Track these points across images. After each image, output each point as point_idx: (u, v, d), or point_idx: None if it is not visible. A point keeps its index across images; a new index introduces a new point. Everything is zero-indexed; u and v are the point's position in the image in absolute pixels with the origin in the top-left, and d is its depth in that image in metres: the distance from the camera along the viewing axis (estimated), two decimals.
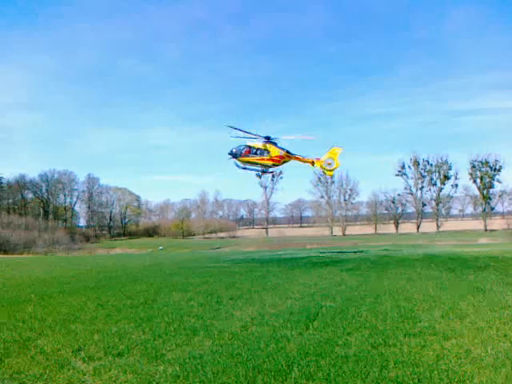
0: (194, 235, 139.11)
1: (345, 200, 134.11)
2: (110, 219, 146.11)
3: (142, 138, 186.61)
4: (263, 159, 36.25)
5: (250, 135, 35.57)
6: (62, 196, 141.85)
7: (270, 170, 38.44)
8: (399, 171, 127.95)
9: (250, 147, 35.95)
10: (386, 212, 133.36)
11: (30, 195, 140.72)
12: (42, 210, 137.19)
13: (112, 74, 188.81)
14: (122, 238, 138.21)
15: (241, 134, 35.05)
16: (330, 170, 38.79)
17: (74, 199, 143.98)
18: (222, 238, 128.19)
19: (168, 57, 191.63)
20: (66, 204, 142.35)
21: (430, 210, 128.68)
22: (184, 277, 18.05)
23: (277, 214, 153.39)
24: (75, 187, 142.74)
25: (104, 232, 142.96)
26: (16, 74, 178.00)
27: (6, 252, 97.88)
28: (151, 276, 18.84)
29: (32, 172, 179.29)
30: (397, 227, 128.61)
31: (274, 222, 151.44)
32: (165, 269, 22.85)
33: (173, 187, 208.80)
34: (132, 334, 8.15)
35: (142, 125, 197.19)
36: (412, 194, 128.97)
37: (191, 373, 5.94)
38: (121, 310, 10.51)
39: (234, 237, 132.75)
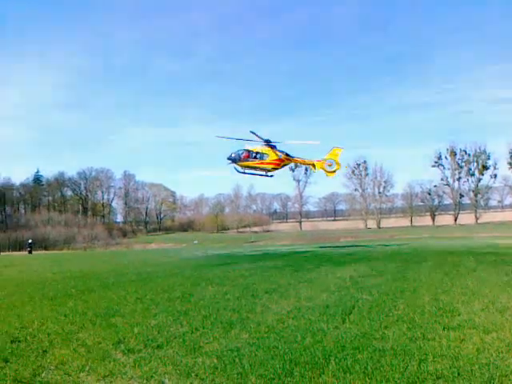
0: (227, 229, 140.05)
1: (379, 192, 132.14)
2: (146, 215, 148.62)
3: (177, 135, 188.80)
4: (262, 163, 35.96)
5: (248, 136, 35.31)
6: (99, 193, 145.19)
7: (270, 173, 38.15)
8: (435, 162, 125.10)
9: (248, 151, 35.70)
10: (421, 204, 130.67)
11: (69, 192, 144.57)
12: (80, 207, 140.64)
13: (147, 72, 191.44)
14: (158, 233, 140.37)
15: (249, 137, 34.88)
16: (332, 172, 38.12)
17: (112, 196, 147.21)
18: (256, 232, 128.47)
19: (201, 54, 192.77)
20: (104, 201, 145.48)
21: (468, 202, 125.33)
22: (219, 271, 18.22)
23: (310, 207, 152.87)
24: (112, 184, 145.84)
25: (140, 227, 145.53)
26: (55, 74, 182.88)
27: (46, 248, 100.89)
28: (187, 270, 19.10)
29: (71, 170, 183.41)
30: (433, 219, 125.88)
31: (308, 215, 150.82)
32: (200, 263, 23.12)
33: (207, 182, 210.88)
34: (170, 327, 8.30)
35: (176, 122, 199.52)
36: (449, 186, 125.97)
37: (229, 365, 6.02)
38: (159, 304, 10.72)
39: (268, 231, 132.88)
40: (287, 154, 36.50)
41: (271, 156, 35.74)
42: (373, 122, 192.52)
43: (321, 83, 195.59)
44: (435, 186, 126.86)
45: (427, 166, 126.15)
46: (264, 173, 37.60)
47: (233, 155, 35.93)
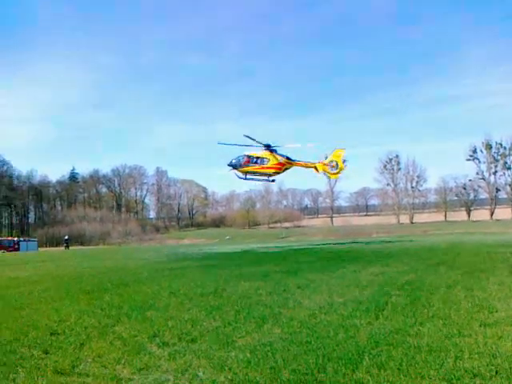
0: (259, 225, 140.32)
1: (412, 187, 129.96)
2: (179, 211, 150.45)
3: (207, 132, 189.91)
4: (263, 167, 35.52)
5: (250, 142, 34.92)
6: (133, 189, 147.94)
7: (272, 178, 37.71)
8: (470, 155, 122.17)
9: (248, 157, 35.29)
10: (456, 199, 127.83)
11: (104, 189, 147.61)
12: (115, 204, 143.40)
13: (176, 70, 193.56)
14: (190, 228, 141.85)
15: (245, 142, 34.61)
16: (335, 174, 37.30)
17: (144, 192, 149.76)
18: (287, 227, 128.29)
19: (229, 51, 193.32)
20: (137, 197, 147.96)
21: (505, 196, 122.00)
22: (252, 266, 18.30)
23: (341, 202, 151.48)
24: (145, 181, 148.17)
25: (173, 223, 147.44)
26: (85, 74, 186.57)
27: (82, 244, 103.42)
28: (220, 265, 19.25)
29: (105, 167, 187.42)
30: (469, 214, 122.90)
31: (339, 210, 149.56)
32: (232, 257, 23.26)
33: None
34: (203, 321, 8.39)
35: (206, 119, 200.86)
36: (484, 180, 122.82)
37: (262, 359, 6.05)
38: (192, 299, 10.84)
39: (299, 226, 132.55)
40: (288, 158, 36.09)
41: (272, 160, 35.36)
42: (403, 116, 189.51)
43: (348, 78, 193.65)
44: (470, 180, 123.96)
45: (462, 160, 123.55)
46: (266, 178, 37.32)
47: (233, 161, 35.61)
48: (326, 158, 36.68)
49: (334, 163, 35.91)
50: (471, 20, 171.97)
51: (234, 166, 35.75)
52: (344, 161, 38.02)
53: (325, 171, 36.71)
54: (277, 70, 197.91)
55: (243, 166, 35.36)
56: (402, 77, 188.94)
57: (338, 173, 37.43)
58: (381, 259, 19.36)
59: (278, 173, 36.52)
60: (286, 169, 36.58)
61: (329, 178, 38.89)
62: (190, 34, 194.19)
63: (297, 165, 36.73)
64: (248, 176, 36.77)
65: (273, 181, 39.40)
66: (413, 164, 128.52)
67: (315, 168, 36.54)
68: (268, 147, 35.46)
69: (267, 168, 35.55)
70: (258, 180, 38.79)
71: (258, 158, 35.25)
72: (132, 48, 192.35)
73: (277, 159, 35.51)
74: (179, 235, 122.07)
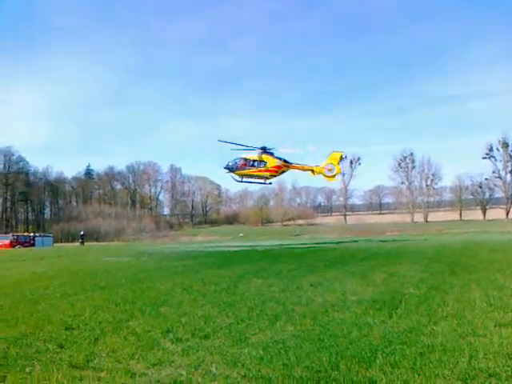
0: (272, 223, 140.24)
1: (427, 185, 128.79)
2: (192, 207, 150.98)
3: (221, 128, 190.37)
4: (260, 171, 35.24)
5: (244, 147, 34.78)
6: (147, 186, 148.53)
7: (268, 181, 37.49)
8: (487, 154, 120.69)
9: (245, 160, 35.01)
10: (471, 197, 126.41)
11: (119, 186, 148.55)
12: (129, 200, 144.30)
13: (190, 67, 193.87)
14: (204, 225, 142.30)
15: (235, 146, 34.45)
16: (331, 176, 37.13)
17: (159, 189, 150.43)
18: (300, 225, 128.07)
19: (243, 48, 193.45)
20: (151, 193, 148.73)
21: None
22: (264, 263, 18.32)
23: (355, 200, 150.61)
24: (159, 177, 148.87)
25: (187, 220, 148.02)
26: (102, 72, 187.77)
27: (97, 240, 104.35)
28: (234, 262, 19.30)
29: (119, 164, 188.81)
30: (484, 213, 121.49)
31: (353, 209, 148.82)
32: (246, 255, 23.30)
33: None
34: (216, 317, 8.42)
35: (220, 115, 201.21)
36: (501, 178, 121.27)
37: (274, 356, 6.06)
38: (205, 295, 10.89)
39: (313, 224, 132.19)
40: (285, 161, 35.94)
41: (269, 163, 35.17)
42: (416, 113, 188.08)
43: (360, 75, 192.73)
44: (486, 179, 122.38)
45: (478, 159, 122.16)
46: (262, 181, 37.11)
47: (229, 164, 35.30)
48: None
49: (330, 166, 36.07)
50: (484, 15, 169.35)
51: (231, 169, 35.48)
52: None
53: (321, 174, 36.67)
54: (289, 68, 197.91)
55: (240, 168, 35.09)
56: (418, 74, 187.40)
57: (334, 176, 37.51)
58: (394, 258, 19.25)
59: (275, 175, 36.41)
60: (283, 172, 36.49)
61: (326, 180, 38.76)
62: (203, 31, 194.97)
63: (294, 168, 36.65)
64: (245, 179, 36.62)
65: (270, 183, 39.48)
66: (428, 162, 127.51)
67: (312, 171, 36.59)
68: (264, 150, 35.29)
69: (264, 171, 35.34)
70: (255, 183, 38.68)
71: (254, 160, 35.02)
72: (146, 46, 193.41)
73: (274, 162, 35.38)
74: (193, 232, 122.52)
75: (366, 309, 8.81)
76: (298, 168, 36.82)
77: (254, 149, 35.29)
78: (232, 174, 35.97)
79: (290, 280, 13.04)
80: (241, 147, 34.90)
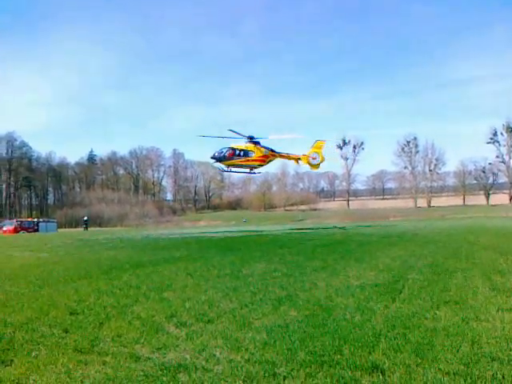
0: (275, 208, 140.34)
1: (430, 170, 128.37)
2: (195, 193, 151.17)
3: (225, 113, 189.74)
4: (248, 160, 35.03)
5: (232, 134, 34.50)
6: (150, 171, 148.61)
7: (256, 170, 37.41)
8: (490, 138, 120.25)
9: (233, 149, 34.72)
10: (475, 182, 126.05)
11: (122, 171, 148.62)
12: (132, 185, 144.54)
13: (194, 52, 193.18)
14: (207, 210, 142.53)
15: (232, 134, 34.20)
16: (316, 165, 37.41)
17: (161, 174, 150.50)
18: (303, 210, 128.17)
19: (247, 31, 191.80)
20: (154, 179, 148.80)
21: None
22: (267, 248, 18.37)
23: (358, 185, 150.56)
24: (162, 162, 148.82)
25: (189, 205, 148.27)
26: (104, 56, 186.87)
27: (100, 225, 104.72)
28: (238, 247, 19.35)
29: (122, 149, 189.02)
30: (487, 198, 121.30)
31: (356, 194, 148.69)
32: (248, 240, 23.36)
33: None
34: (220, 302, 8.47)
35: (224, 100, 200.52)
36: (504, 163, 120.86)
37: (278, 340, 6.09)
38: (209, 280, 10.94)
39: (315, 209, 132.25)
40: (272, 150, 35.87)
41: (256, 153, 35.01)
42: (423, 97, 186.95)
43: (368, 58, 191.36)
44: (490, 164, 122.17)
45: (481, 143, 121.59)
46: (249, 170, 37.04)
47: (216, 154, 34.87)
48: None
49: (314, 155, 36.35)
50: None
51: (218, 159, 35.18)
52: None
53: (307, 163, 37.02)
54: (295, 51, 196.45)
55: (228, 158, 34.80)
56: (422, 57, 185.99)
57: (318, 164, 37.80)
58: (398, 243, 19.28)
59: (262, 165, 36.36)
60: (270, 161, 36.47)
61: (310, 169, 39.29)
62: (211, 14, 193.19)
63: (281, 157, 36.72)
64: (232, 169, 36.49)
65: (259, 173, 39.66)
66: (431, 147, 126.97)
67: (296, 160, 36.88)
68: (251, 139, 35.10)
69: (252, 161, 35.21)
70: (242, 172, 38.69)
71: (242, 150, 34.81)
72: (152, 29, 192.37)
73: (261, 151, 35.29)
74: (196, 217, 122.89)
75: (368, 293, 8.85)
76: (284, 157, 37.00)
77: (240, 138, 35.07)
78: (219, 163, 35.75)
79: (293, 265, 13.09)
80: (225, 138, 34.68)
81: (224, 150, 34.68)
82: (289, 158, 37.28)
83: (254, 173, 38.20)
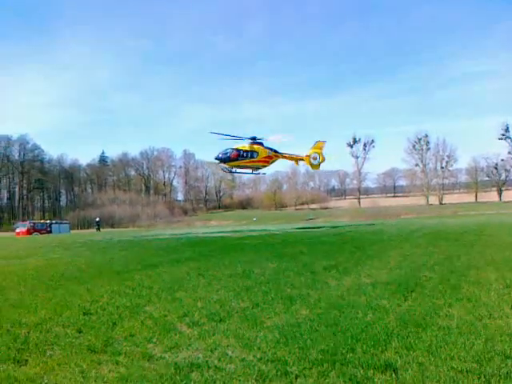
0: (285, 207, 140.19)
1: (442, 167, 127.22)
2: (206, 193, 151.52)
3: (233, 113, 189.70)
4: (253, 161, 34.83)
5: (234, 138, 34.36)
6: (161, 172, 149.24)
7: (261, 171, 37.32)
8: (502, 134, 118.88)
9: (237, 150, 34.46)
10: (487, 179, 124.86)
11: (133, 172, 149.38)
12: (143, 186, 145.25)
13: (202, 52, 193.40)
14: (218, 210, 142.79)
15: (225, 137, 33.98)
16: (317, 165, 37.61)
17: (172, 175, 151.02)
18: (314, 209, 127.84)
19: (254, 32, 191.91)
20: (165, 179, 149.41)
21: None
22: (278, 247, 18.36)
23: (369, 183, 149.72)
24: (173, 163, 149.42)
25: (200, 205, 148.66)
26: (113, 58, 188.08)
27: (112, 226, 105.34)
28: (249, 247, 19.37)
29: (133, 150, 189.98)
30: (500, 195, 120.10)
31: (367, 192, 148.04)
32: (259, 241, 23.36)
33: None
34: (232, 301, 8.49)
35: (232, 99, 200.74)
36: None
37: (290, 339, 6.10)
38: (220, 280, 10.96)
39: (326, 208, 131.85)
40: (275, 151, 35.79)
41: (261, 154, 34.84)
42: (432, 94, 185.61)
43: (374, 56, 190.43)
44: (502, 160, 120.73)
45: (494, 139, 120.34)
46: (252, 171, 36.96)
47: (220, 155, 34.50)
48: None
49: (315, 155, 36.57)
50: None
51: (223, 160, 34.95)
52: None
53: (308, 163, 37.38)
54: (302, 50, 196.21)
55: (232, 159, 34.61)
56: (432, 54, 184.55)
57: (319, 164, 38.11)
58: (410, 241, 19.17)
59: (266, 166, 36.29)
60: (273, 161, 36.44)
61: (311, 169, 39.74)
62: (217, 14, 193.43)
63: (283, 157, 36.73)
64: (237, 170, 36.41)
65: (264, 174, 39.79)
66: (443, 143, 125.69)
67: (296, 161, 37.14)
68: (254, 140, 35.02)
69: (257, 162, 35.11)
70: (246, 173, 38.74)
71: (246, 151, 34.60)
72: (159, 31, 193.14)
73: (265, 152, 35.19)
74: (207, 217, 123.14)
75: (380, 292, 8.82)
76: (286, 158, 37.03)
77: (243, 139, 35.02)
78: (223, 165, 35.62)
79: (304, 264, 13.07)
80: (230, 137, 34.52)
81: (228, 151, 34.49)
82: (291, 159, 37.42)
83: (259, 173, 38.14)
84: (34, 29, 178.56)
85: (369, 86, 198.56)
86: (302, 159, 37.28)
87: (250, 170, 36.95)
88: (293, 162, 38.41)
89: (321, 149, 37.22)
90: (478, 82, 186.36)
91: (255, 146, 34.93)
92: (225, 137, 34.04)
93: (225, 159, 34.65)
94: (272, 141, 36.21)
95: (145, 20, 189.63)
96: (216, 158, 35.42)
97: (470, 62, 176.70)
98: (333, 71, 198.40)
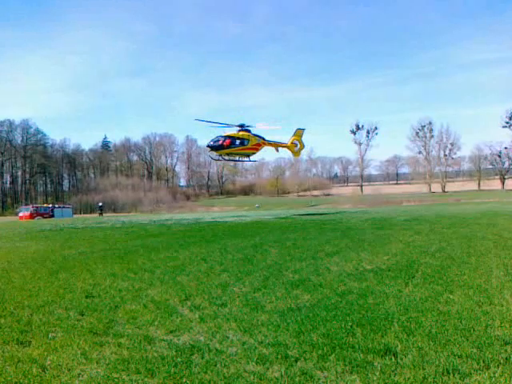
0: (288, 193, 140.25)
1: (445, 155, 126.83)
2: (208, 178, 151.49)
3: (238, 98, 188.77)
4: (244, 149, 34.85)
5: (222, 125, 34.32)
6: (163, 157, 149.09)
7: (251, 158, 37.47)
8: (506, 122, 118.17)
9: (230, 137, 34.30)
10: (490, 167, 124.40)
11: (135, 157, 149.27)
12: (146, 172, 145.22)
13: (207, 37, 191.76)
14: (220, 196, 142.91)
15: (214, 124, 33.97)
16: (297, 152, 38.69)
17: (175, 160, 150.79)
18: (316, 196, 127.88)
19: (260, 16, 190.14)
20: (168, 165, 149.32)
21: None
22: (280, 233, 18.40)
23: (372, 171, 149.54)
24: (175, 149, 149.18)
25: (203, 191, 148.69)
26: (117, 42, 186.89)
27: (115, 211, 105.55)
28: (250, 232, 19.40)
29: (136, 136, 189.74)
30: (503, 183, 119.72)
31: (369, 179, 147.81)
32: (260, 225, 23.40)
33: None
34: (233, 286, 8.54)
35: (236, 85, 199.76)
36: None
37: (291, 323, 6.14)
38: (222, 264, 11.01)
39: (328, 195, 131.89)
40: (263, 138, 35.95)
41: (251, 141, 34.88)
42: (439, 80, 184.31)
43: (383, 41, 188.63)
44: (506, 148, 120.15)
45: (497, 127, 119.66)
46: (244, 158, 37.05)
47: (212, 143, 34.16)
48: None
49: (295, 142, 37.47)
50: None
51: (215, 148, 34.66)
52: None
53: (291, 151, 38.13)
54: (307, 35, 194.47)
55: (225, 147, 34.37)
56: (436, 40, 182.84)
57: (299, 151, 39.35)
58: (411, 227, 19.17)
59: (255, 153, 36.42)
60: (261, 148, 36.65)
61: (294, 156, 40.53)
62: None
63: (269, 145, 36.90)
64: (225, 157, 36.34)
65: (254, 161, 40.20)
66: (446, 131, 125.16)
67: (277, 148, 37.51)
68: (242, 127, 34.95)
69: (248, 149, 35.15)
70: (235, 160, 38.87)
71: (238, 138, 34.54)
72: (165, 15, 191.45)
73: (256, 139, 35.27)
74: (209, 203, 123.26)
75: (381, 278, 8.85)
76: (272, 145, 37.28)
77: (231, 126, 34.97)
78: (213, 152, 35.48)
79: (305, 249, 13.11)
80: (218, 125, 34.45)
81: (220, 139, 34.25)
82: (276, 146, 37.65)
83: (249, 160, 38.24)
84: (39, 13, 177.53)
85: (376, 72, 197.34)
86: (287, 146, 37.77)
87: (241, 158, 37.02)
88: (249, 159, 38.04)
89: (300, 136, 38.08)
90: (483, 69, 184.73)
91: (246, 134, 34.90)
92: (213, 124, 34.04)
93: (217, 147, 34.44)
94: (261, 128, 36.27)
95: (151, 4, 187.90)
96: (208, 146, 35.28)
97: (475, 48, 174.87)
98: (339, 56, 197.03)
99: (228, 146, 34.22)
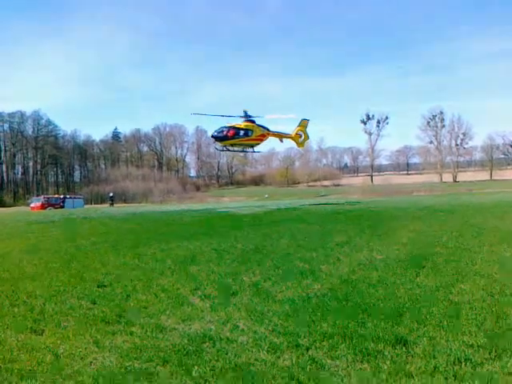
0: (298, 183, 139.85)
1: (456, 145, 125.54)
2: (218, 169, 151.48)
3: (247, 90, 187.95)
4: (249, 139, 34.57)
5: (224, 116, 34.06)
6: (173, 148, 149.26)
7: (256, 149, 37.30)
8: None
9: (234, 128, 34.04)
10: (503, 157, 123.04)
11: (145, 148, 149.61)
12: (156, 162, 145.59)
13: (217, 29, 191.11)
14: (230, 186, 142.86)
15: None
16: (301, 143, 38.32)
17: (185, 151, 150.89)
18: (326, 186, 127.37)
19: (270, 9, 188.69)
20: (178, 155, 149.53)
21: None
22: (291, 223, 18.38)
23: (382, 161, 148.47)
24: (185, 139, 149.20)
25: (213, 181, 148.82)
26: (128, 35, 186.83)
27: (125, 201, 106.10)
28: (259, 223, 19.41)
29: (146, 126, 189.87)
30: None
31: (379, 169, 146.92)
32: (269, 216, 23.40)
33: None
34: (244, 276, 8.56)
35: (247, 77, 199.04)
36: None
37: (301, 313, 6.15)
38: (233, 254, 11.04)
39: (339, 185, 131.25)
40: (267, 129, 35.68)
41: (256, 132, 34.56)
42: (453, 72, 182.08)
43: (396, 33, 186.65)
44: None
45: (510, 117, 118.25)
46: (248, 149, 36.96)
47: (216, 133, 33.93)
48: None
49: (300, 133, 37.13)
50: None
51: (220, 139, 34.49)
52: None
53: (296, 142, 37.84)
54: (318, 27, 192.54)
55: (229, 138, 34.15)
56: (451, 32, 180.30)
57: (303, 142, 39.17)
58: (422, 217, 19.05)
59: (259, 144, 36.27)
60: (265, 139, 36.46)
61: (298, 147, 40.34)
62: None
63: (274, 135, 36.65)
64: (230, 148, 36.25)
65: (258, 152, 40.09)
66: (458, 121, 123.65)
67: (281, 139, 37.38)
68: (247, 117, 34.73)
69: (252, 140, 34.94)
70: (239, 151, 38.75)
71: (242, 129, 34.32)
72: (176, 7, 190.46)
73: (260, 130, 35.04)
74: (219, 193, 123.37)
75: (392, 268, 8.83)
76: (276, 136, 37.07)
77: (233, 117, 34.79)
78: (218, 143, 35.41)
79: (316, 239, 13.10)
80: (219, 116, 34.37)
81: (225, 130, 34.08)
82: (280, 137, 37.47)
83: (253, 151, 38.23)
84: (50, 5, 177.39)
85: (389, 64, 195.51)
86: (291, 137, 37.54)
87: (245, 148, 37.00)
88: (253, 149, 37.92)
89: (305, 127, 37.80)
90: (496, 61, 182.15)
91: (250, 124, 34.74)
92: (212, 117, 34.07)
93: (222, 137, 34.32)
94: (273, 118, 36.23)
95: None
96: (212, 136, 35.21)
97: (488, 40, 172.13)
98: (351, 47, 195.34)
99: (232, 137, 34.05)
